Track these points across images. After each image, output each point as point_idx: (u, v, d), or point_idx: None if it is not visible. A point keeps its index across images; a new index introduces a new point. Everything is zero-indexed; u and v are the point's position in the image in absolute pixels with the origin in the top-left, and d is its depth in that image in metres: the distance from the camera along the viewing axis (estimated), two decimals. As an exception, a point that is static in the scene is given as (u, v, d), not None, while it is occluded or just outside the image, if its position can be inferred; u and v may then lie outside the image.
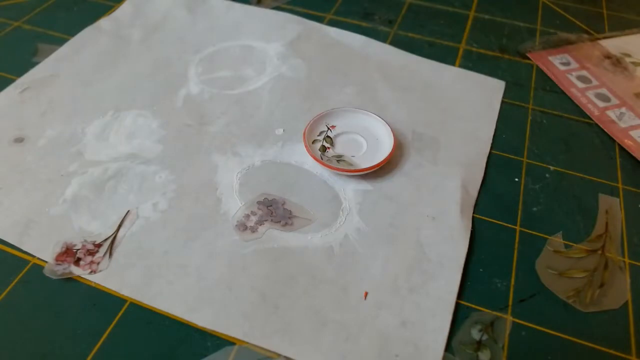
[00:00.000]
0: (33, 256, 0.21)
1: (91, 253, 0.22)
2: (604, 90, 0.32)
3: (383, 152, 0.26)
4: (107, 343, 0.19)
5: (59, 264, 0.21)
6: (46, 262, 0.21)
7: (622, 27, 0.38)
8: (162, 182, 0.24)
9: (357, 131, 0.27)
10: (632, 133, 0.29)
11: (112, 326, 0.20)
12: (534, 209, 0.25)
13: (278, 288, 0.21)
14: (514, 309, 0.21)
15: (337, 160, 0.25)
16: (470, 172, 0.26)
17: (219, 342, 0.19)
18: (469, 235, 0.23)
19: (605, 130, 0.29)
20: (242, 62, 0.32)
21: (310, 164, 0.25)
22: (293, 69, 0.31)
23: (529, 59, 0.34)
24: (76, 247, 0.22)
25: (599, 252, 0.23)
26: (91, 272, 0.21)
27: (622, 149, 0.28)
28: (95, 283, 0.21)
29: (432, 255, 0.22)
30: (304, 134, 0.26)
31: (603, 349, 0.20)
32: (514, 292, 0.22)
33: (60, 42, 0.32)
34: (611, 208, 0.25)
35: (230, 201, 0.24)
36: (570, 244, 0.24)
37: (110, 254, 0.22)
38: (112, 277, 0.21)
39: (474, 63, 0.33)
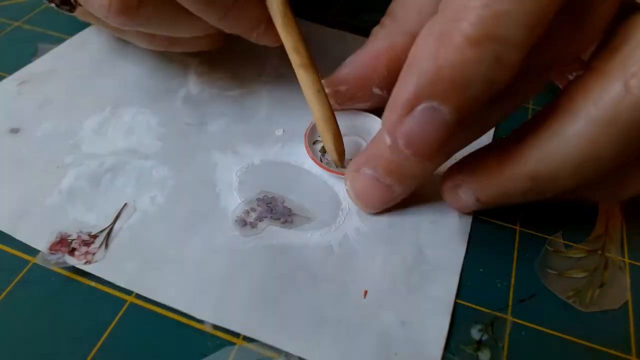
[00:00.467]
0: (33, 256, 0.21)
1: (86, 244, 0.22)
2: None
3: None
4: (107, 343, 0.19)
5: (53, 254, 0.21)
6: (39, 251, 0.21)
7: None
8: (161, 177, 0.25)
9: (357, 133, 0.27)
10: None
11: (112, 326, 0.20)
12: (534, 209, 0.25)
13: (277, 284, 0.21)
14: (514, 309, 0.21)
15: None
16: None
17: (219, 342, 0.19)
18: (467, 237, 0.23)
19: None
20: (243, 63, 0.32)
21: (310, 164, 0.25)
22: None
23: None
24: (71, 238, 0.22)
25: (599, 252, 0.23)
26: (86, 262, 0.21)
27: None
28: (95, 283, 0.21)
29: (430, 257, 0.22)
30: (305, 135, 0.26)
31: (603, 349, 0.20)
32: (514, 292, 0.22)
33: (60, 42, 0.32)
34: (611, 208, 0.25)
35: (230, 198, 0.24)
36: (570, 244, 0.24)
37: (107, 246, 0.22)
38: (108, 268, 0.21)
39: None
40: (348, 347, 0.19)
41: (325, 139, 0.24)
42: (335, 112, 0.24)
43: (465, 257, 0.22)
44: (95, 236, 0.22)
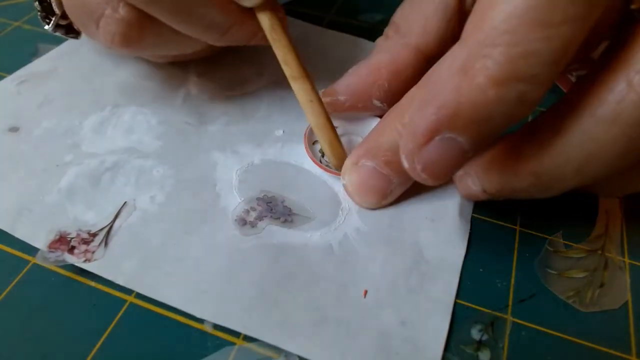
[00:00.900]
0: (33, 256, 0.21)
1: (86, 242, 0.22)
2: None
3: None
4: (107, 343, 0.19)
5: (52, 252, 0.21)
6: (39, 249, 0.21)
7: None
8: (160, 176, 0.25)
9: (358, 133, 0.27)
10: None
11: (112, 326, 0.20)
12: (534, 209, 0.25)
13: (277, 283, 0.21)
14: (514, 309, 0.21)
15: None
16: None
17: (219, 342, 0.19)
18: (467, 237, 0.23)
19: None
20: (243, 63, 0.32)
21: (309, 164, 0.25)
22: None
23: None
24: (70, 236, 0.22)
25: (599, 252, 0.23)
26: (85, 260, 0.21)
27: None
28: (95, 283, 0.21)
29: (430, 257, 0.22)
30: (305, 135, 0.26)
31: (603, 349, 0.20)
32: (514, 292, 0.22)
33: (60, 42, 0.32)
34: (611, 208, 0.25)
35: (230, 197, 0.24)
36: (570, 244, 0.24)
37: (106, 244, 0.22)
38: (107, 266, 0.21)
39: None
40: (348, 346, 0.19)
41: (323, 146, 0.24)
42: (333, 113, 0.24)
43: (465, 257, 0.22)
44: (94, 235, 0.22)
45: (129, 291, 0.21)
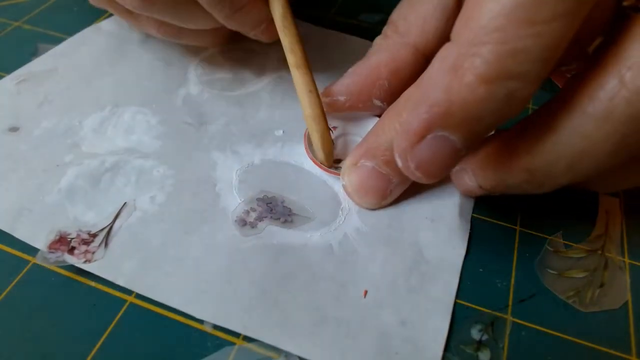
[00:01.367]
0: (33, 256, 0.21)
1: (86, 242, 0.21)
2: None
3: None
4: (107, 343, 0.19)
5: (52, 252, 0.21)
6: (39, 249, 0.21)
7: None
8: (160, 177, 0.24)
9: (358, 133, 0.27)
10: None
11: (112, 326, 0.20)
12: (534, 209, 0.25)
13: (277, 283, 0.21)
14: (514, 309, 0.21)
15: (336, 162, 0.25)
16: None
17: (219, 342, 0.19)
18: (467, 237, 0.23)
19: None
20: (243, 64, 0.32)
21: (309, 164, 0.25)
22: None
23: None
24: (70, 236, 0.22)
25: (599, 252, 0.23)
26: (86, 261, 0.21)
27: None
28: (95, 283, 0.21)
29: (430, 257, 0.22)
30: (305, 135, 0.26)
31: (603, 349, 0.20)
32: (514, 292, 0.22)
33: (61, 42, 0.32)
34: (611, 208, 0.25)
35: (230, 197, 0.24)
36: (570, 244, 0.24)
37: (106, 245, 0.22)
38: (107, 266, 0.21)
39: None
40: (348, 346, 0.19)
41: (314, 138, 0.24)
42: (332, 113, 0.24)
43: (465, 257, 0.22)
44: (94, 235, 0.22)
45: (129, 291, 0.21)
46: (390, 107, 0.23)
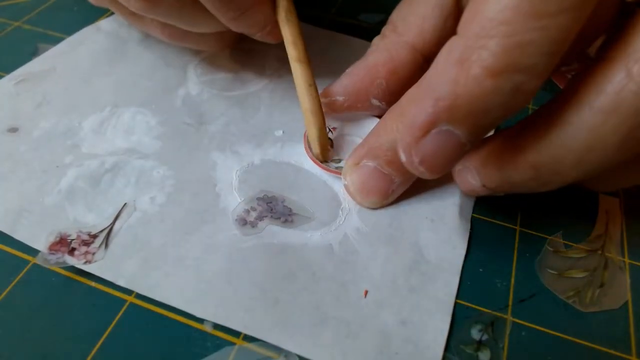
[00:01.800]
0: (33, 256, 0.21)
1: (86, 243, 0.21)
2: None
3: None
4: (107, 343, 0.19)
5: (53, 253, 0.21)
6: (39, 251, 0.21)
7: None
8: (160, 177, 0.24)
9: (358, 133, 0.27)
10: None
11: (112, 326, 0.20)
12: (534, 208, 0.25)
13: (278, 283, 0.21)
14: (514, 309, 0.21)
15: (336, 162, 0.25)
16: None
17: (219, 342, 0.19)
18: (467, 237, 0.23)
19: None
20: (243, 64, 0.32)
21: (309, 164, 0.25)
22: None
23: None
24: (71, 237, 0.22)
25: (599, 252, 0.23)
26: (86, 262, 0.21)
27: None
28: (95, 283, 0.21)
29: (430, 257, 0.22)
30: (305, 135, 0.26)
31: (603, 349, 0.20)
32: (514, 292, 0.22)
33: (60, 42, 0.32)
34: (611, 208, 0.25)
35: (230, 197, 0.24)
36: (570, 244, 0.24)
37: (107, 245, 0.22)
38: (107, 267, 0.21)
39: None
40: (348, 346, 0.19)
41: (310, 132, 0.24)
42: (331, 114, 0.25)
43: (465, 257, 0.22)
44: (95, 236, 0.22)
45: (129, 291, 0.21)
46: (392, 107, 0.23)
